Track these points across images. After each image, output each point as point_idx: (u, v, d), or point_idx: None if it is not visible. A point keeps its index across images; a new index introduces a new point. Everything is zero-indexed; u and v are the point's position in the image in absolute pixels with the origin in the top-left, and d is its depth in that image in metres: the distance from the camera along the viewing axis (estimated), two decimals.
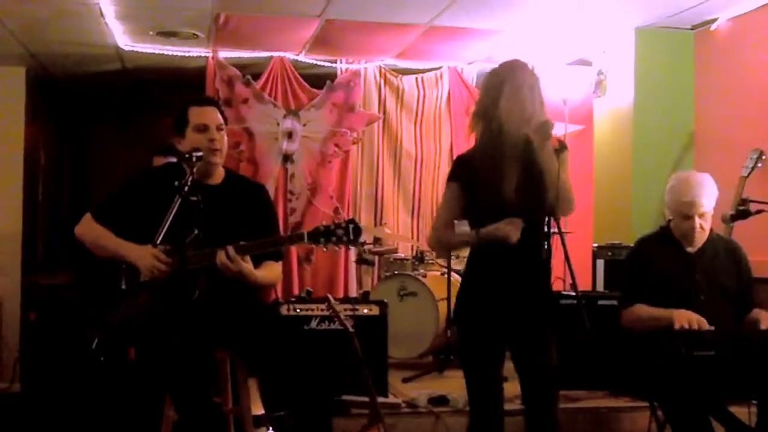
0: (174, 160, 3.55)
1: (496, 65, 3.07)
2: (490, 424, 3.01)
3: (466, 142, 4.36)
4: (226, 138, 3.36)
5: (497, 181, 2.94)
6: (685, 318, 3.34)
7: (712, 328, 3.33)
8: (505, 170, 2.95)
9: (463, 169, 3.06)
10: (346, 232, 3.13)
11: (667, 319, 3.38)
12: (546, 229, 2.95)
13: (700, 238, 3.58)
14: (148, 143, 6.12)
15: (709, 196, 3.53)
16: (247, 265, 3.14)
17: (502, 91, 2.94)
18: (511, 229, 2.88)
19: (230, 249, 3.10)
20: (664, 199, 3.66)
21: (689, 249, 3.60)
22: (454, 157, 3.32)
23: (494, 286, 2.99)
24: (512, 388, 3.12)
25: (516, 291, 2.97)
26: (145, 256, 3.14)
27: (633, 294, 3.61)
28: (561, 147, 2.94)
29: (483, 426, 3.03)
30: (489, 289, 3.00)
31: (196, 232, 2.96)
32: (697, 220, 3.51)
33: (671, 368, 3.17)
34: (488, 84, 3.02)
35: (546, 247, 3.00)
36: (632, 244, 3.94)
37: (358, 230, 3.14)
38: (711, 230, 3.63)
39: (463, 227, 3.00)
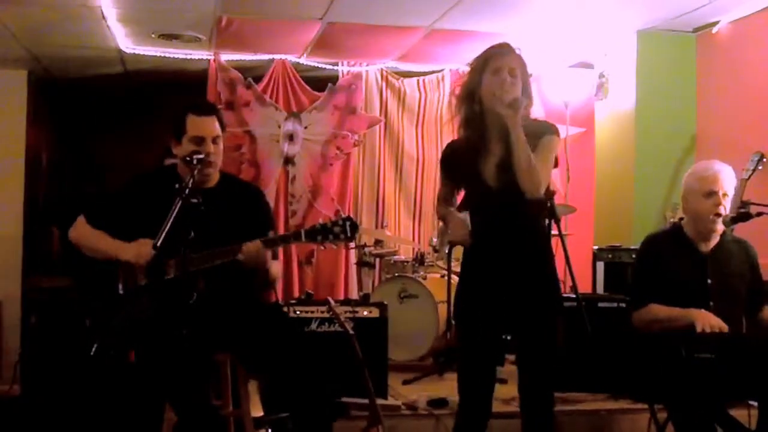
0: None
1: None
2: (477, 416, 2.99)
3: None
4: (222, 144, 3.34)
5: (477, 161, 2.97)
6: (707, 322, 3.22)
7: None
8: (486, 150, 2.97)
9: (449, 155, 3.10)
10: (343, 229, 3.13)
11: (685, 319, 3.27)
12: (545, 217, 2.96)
13: (719, 229, 3.44)
14: (150, 146, 6.12)
15: (729, 179, 3.43)
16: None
17: (485, 71, 2.95)
18: (454, 232, 2.94)
19: (258, 242, 3.12)
20: (681, 187, 3.53)
21: (703, 248, 3.47)
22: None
23: (490, 274, 2.98)
24: (512, 390, 3.11)
25: (511, 276, 2.95)
26: (132, 245, 3.16)
27: (646, 293, 3.47)
28: (545, 130, 2.96)
29: (469, 418, 3.01)
30: (485, 277, 2.99)
31: (191, 234, 2.95)
32: (721, 199, 3.38)
33: (672, 371, 3.15)
34: (472, 67, 3.03)
35: (546, 225, 3.01)
36: (634, 246, 3.88)
37: (354, 226, 3.13)
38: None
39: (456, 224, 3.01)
